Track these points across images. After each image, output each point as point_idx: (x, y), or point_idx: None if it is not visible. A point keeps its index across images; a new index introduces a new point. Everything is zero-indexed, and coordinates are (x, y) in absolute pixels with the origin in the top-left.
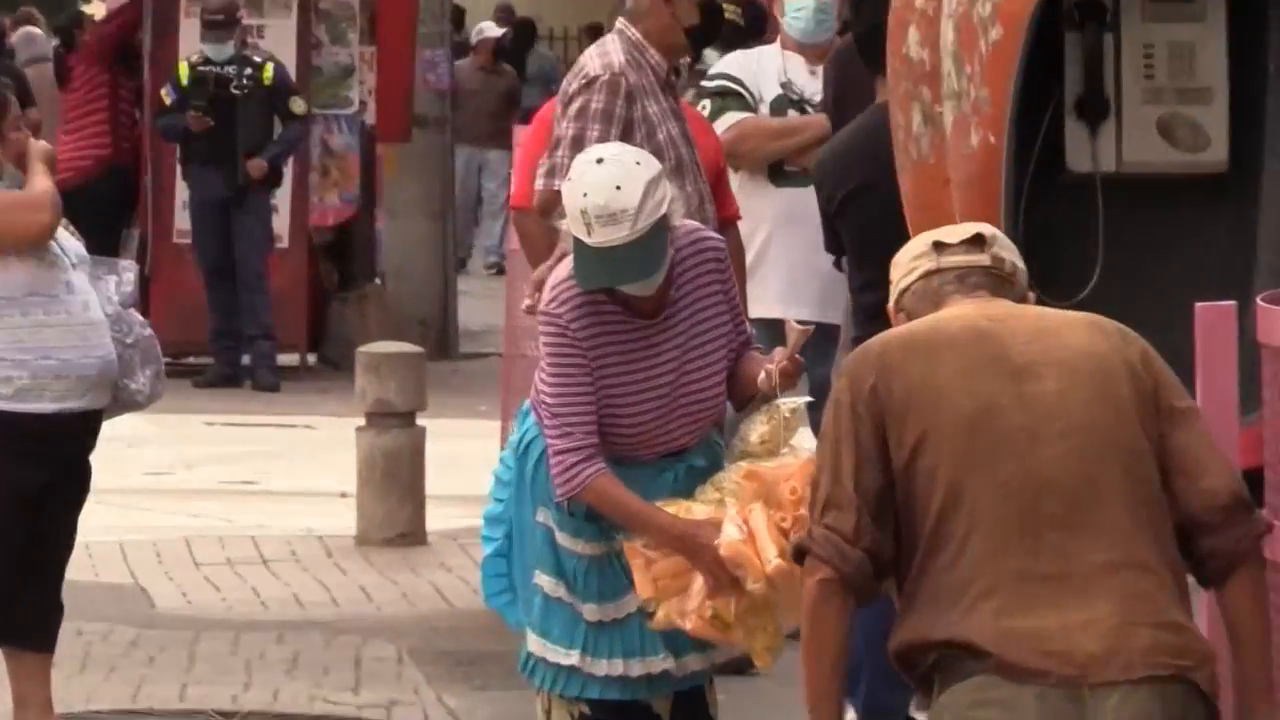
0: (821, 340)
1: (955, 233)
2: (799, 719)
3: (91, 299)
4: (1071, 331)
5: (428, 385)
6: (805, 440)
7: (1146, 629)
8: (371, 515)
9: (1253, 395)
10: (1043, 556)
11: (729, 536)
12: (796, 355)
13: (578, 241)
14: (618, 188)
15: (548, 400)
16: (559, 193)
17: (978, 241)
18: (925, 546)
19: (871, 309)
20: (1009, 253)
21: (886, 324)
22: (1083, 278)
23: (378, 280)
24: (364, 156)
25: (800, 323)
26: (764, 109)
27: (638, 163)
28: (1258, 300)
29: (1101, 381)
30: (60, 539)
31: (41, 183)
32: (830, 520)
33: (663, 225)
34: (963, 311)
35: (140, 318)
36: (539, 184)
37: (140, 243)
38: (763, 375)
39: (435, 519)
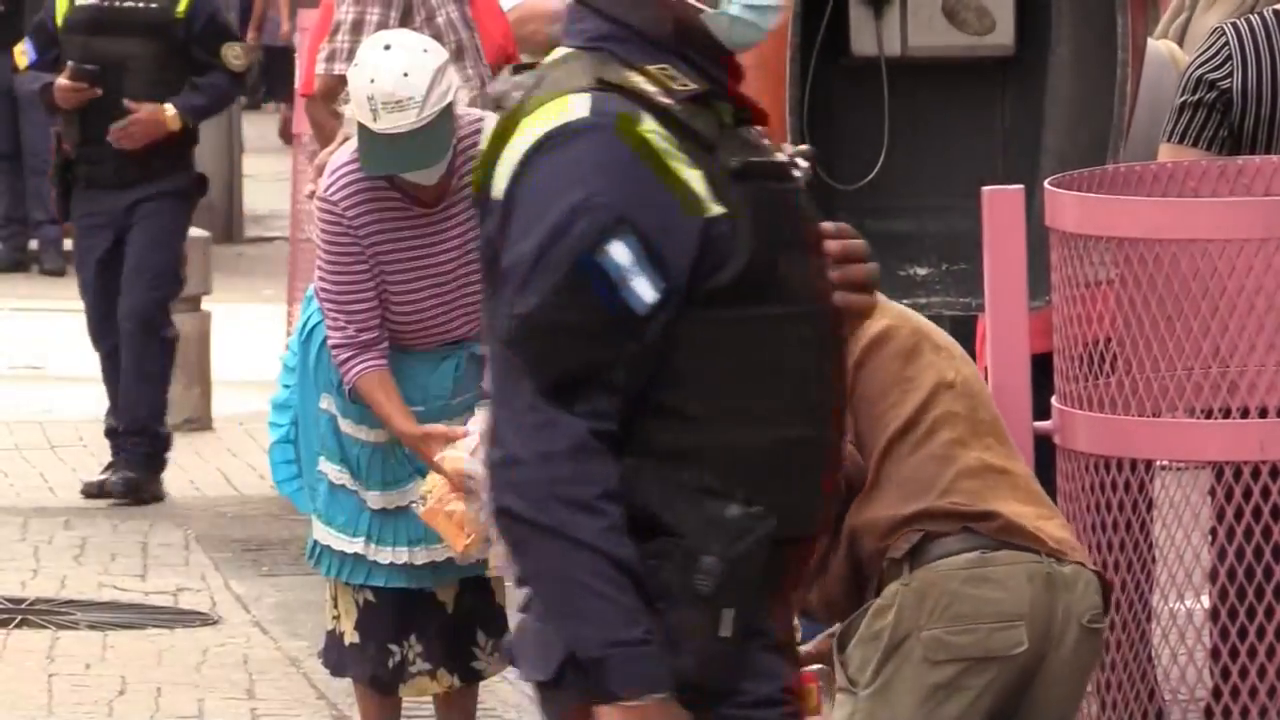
0: None
1: None
2: None
3: None
4: None
5: (213, 269)
6: None
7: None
8: None
9: (1040, 280)
10: (991, 452)
11: (451, 453)
12: None
13: (362, 128)
14: (405, 74)
15: (325, 289)
16: (340, 78)
17: None
18: (891, 433)
19: None
20: None
21: None
22: (868, 162)
23: None
24: None
25: None
26: None
27: (425, 50)
28: (1045, 184)
29: None
30: None
31: None
32: None
33: (448, 113)
34: None
35: None
36: (319, 69)
37: None
38: None
39: (222, 404)
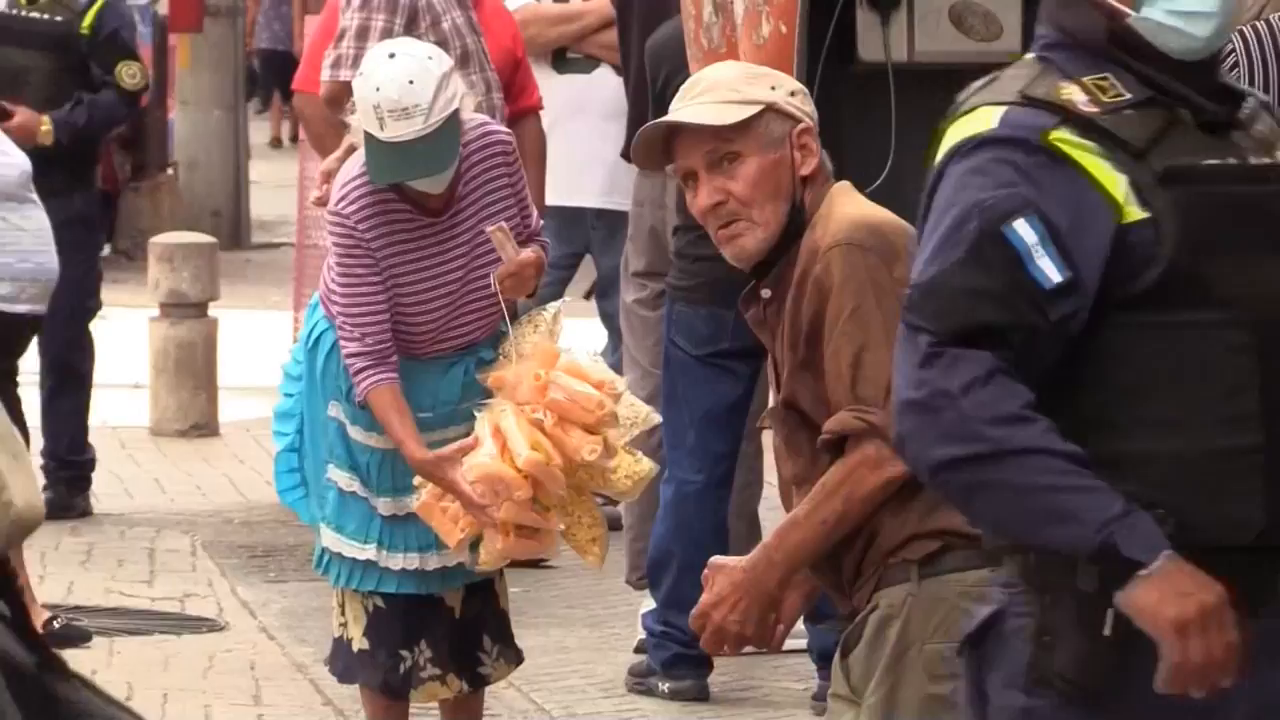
0: (606, 229)
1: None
2: (592, 610)
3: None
4: None
5: (220, 276)
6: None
7: None
8: (165, 406)
9: None
10: None
11: (475, 461)
12: (529, 253)
13: (369, 136)
14: (410, 82)
15: (338, 302)
16: (346, 84)
17: None
18: None
19: None
20: None
21: None
22: (875, 169)
23: (170, 170)
24: (157, 46)
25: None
26: None
27: (430, 57)
28: None
29: None
30: None
31: None
32: None
33: (455, 119)
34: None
35: None
36: (325, 75)
37: None
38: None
39: (229, 410)
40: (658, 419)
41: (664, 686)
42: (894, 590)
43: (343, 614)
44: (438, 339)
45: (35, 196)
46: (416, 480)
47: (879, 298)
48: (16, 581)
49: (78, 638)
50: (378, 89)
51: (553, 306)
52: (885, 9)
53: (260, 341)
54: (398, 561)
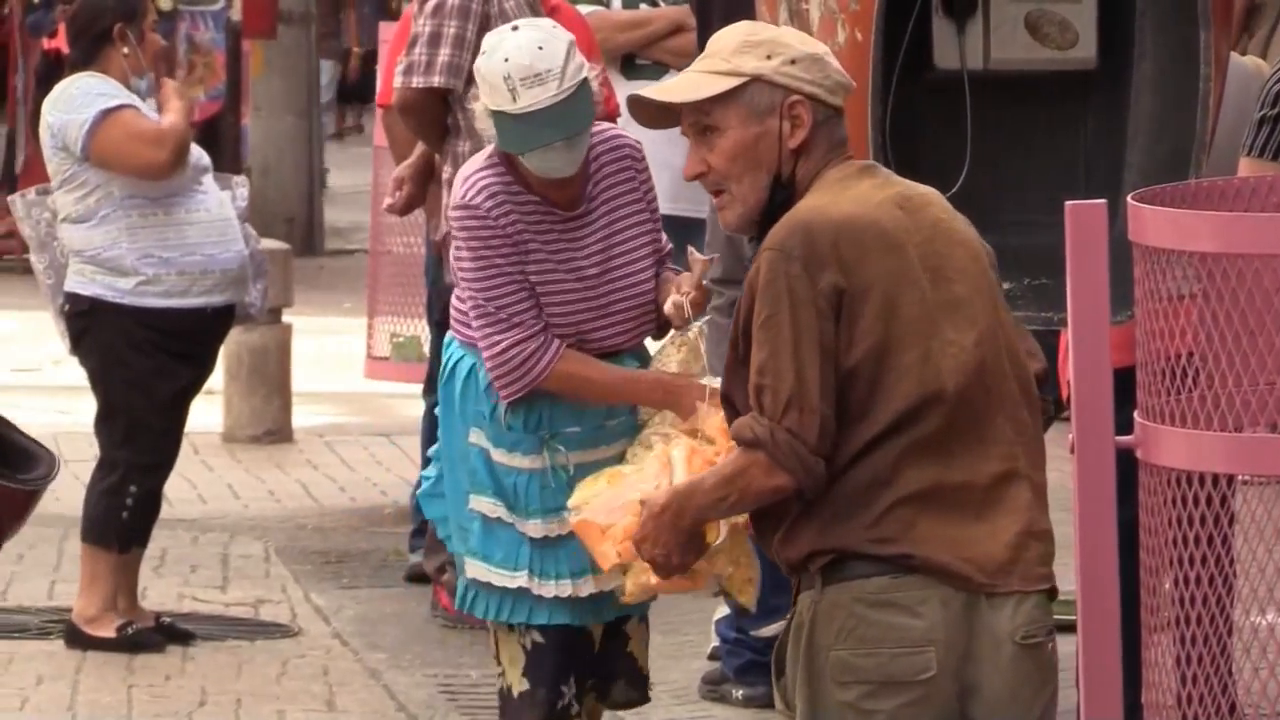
0: (673, 234)
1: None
2: (666, 617)
3: (224, 198)
4: (952, 219)
5: (294, 282)
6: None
7: (1034, 540)
8: (238, 412)
9: (1123, 295)
10: (952, 467)
11: (643, 486)
12: (703, 283)
13: (500, 115)
14: (540, 48)
15: (482, 299)
16: (419, 91)
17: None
18: (839, 450)
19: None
20: None
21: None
22: (950, 177)
23: (244, 176)
24: (230, 52)
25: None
26: (616, 2)
27: (554, 27)
28: (1128, 199)
29: (987, 279)
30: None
31: (170, 118)
32: (793, 424)
33: (587, 87)
34: (873, 193)
35: (253, 231)
36: (397, 81)
37: (8, 141)
38: (671, 308)
39: (302, 416)
40: None
41: (738, 693)
42: (804, 597)
43: (498, 662)
44: (581, 343)
45: (207, 188)
46: (574, 500)
47: (794, 309)
48: None
49: (184, 636)
50: (506, 60)
51: (698, 324)
52: (961, 17)
53: (334, 348)
54: (550, 589)
